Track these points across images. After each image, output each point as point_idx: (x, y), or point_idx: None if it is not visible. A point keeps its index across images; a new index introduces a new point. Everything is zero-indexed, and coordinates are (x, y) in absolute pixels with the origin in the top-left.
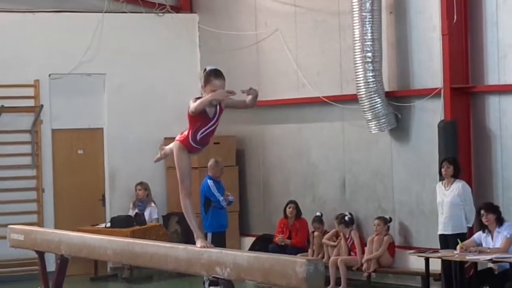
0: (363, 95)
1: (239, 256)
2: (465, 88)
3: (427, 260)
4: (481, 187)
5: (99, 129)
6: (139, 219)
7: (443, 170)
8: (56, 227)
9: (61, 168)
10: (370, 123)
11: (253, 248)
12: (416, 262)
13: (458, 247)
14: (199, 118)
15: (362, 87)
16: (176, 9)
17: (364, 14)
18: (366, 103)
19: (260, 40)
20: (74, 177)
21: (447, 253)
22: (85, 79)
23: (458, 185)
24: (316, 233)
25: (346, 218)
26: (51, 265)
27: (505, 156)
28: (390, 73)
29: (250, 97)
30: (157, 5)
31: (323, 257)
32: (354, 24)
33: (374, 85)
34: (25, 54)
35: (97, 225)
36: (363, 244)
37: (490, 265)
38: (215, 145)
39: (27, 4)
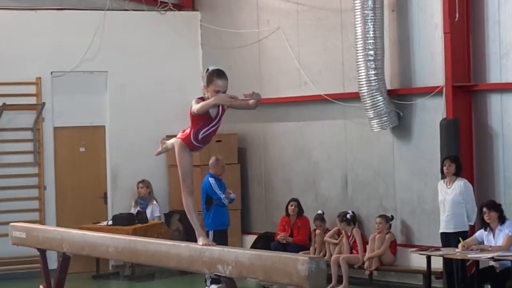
0: (365, 93)
1: (241, 254)
2: (467, 87)
3: (428, 258)
4: (483, 185)
5: (101, 127)
6: (141, 217)
7: (445, 168)
8: (58, 225)
9: (63, 166)
10: (372, 121)
11: (255, 246)
12: (417, 260)
13: (459, 245)
14: (201, 118)
15: (364, 85)
16: (178, 7)
17: (366, 12)
18: (368, 101)
19: (262, 38)
20: (76, 175)
21: (449, 251)
22: (87, 77)
23: (460, 183)
24: (318, 231)
25: (348, 216)
26: (53, 263)
27: (506, 154)
28: (392, 71)
29: (253, 100)
30: (159, 3)
31: (324, 255)
32: (356, 22)
33: (376, 83)
34: (27, 51)
35: (99, 223)
36: (365, 242)
37: (492, 263)
38: (217, 143)
39: (29, 1)
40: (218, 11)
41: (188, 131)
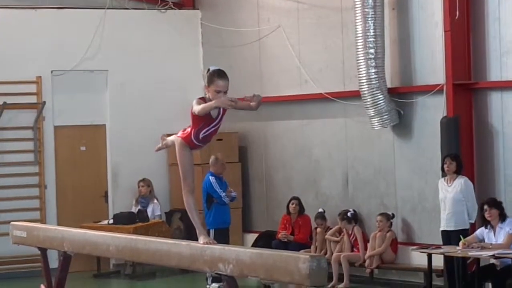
0: (366, 92)
1: (242, 253)
2: (467, 84)
3: (429, 256)
4: (483, 183)
5: (102, 125)
6: (141, 215)
7: (445, 166)
8: (58, 224)
9: (63, 164)
10: (373, 119)
11: (256, 244)
12: (418, 258)
13: (460, 243)
14: (202, 118)
15: (365, 83)
16: (179, 5)
17: (366, 10)
18: (368, 100)
19: (262, 36)
20: (76, 174)
21: (450, 249)
22: (87, 76)
23: (461, 181)
24: (318, 230)
25: (349, 214)
26: (53, 262)
27: (507, 152)
28: (392, 69)
29: (254, 102)
30: (159, 1)
31: (325, 254)
32: (357, 21)
33: (377, 81)
34: (28, 50)
35: (99, 221)
36: (365, 240)
37: (493, 261)
38: (218, 142)
39: (29, 0)
40: (219, 9)
41: (188, 130)
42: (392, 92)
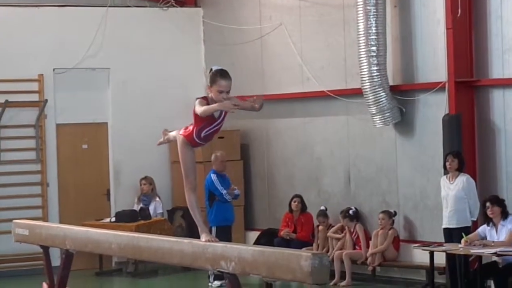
0: (368, 89)
1: (244, 250)
2: (469, 82)
3: (431, 253)
4: (485, 181)
5: (104, 123)
6: (143, 213)
7: (447, 164)
8: (61, 222)
9: (65, 162)
10: (375, 117)
11: (258, 242)
12: (420, 256)
13: (462, 240)
14: (204, 117)
15: (367, 81)
16: (180, 3)
17: (368, 8)
18: (370, 97)
19: (264, 34)
20: (78, 172)
21: (452, 247)
22: (89, 74)
23: (463, 179)
24: (320, 227)
25: (351, 212)
26: (56, 260)
27: (509, 150)
28: (394, 67)
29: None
30: None
31: (328, 251)
32: (359, 18)
33: (379, 79)
34: (29, 48)
35: (102, 219)
36: (367, 238)
37: (495, 258)
38: (220, 139)
39: None
40: (220, 7)
41: (190, 128)
42: (394, 90)
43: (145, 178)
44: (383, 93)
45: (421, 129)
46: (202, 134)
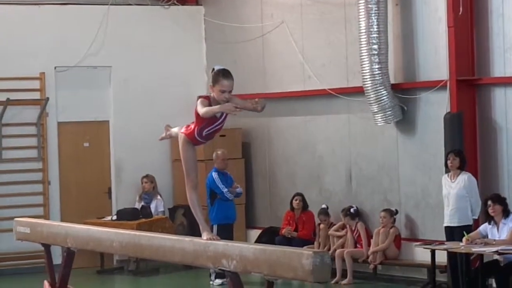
0: (369, 88)
1: (245, 249)
2: (470, 80)
3: (433, 252)
4: (487, 179)
5: (105, 122)
6: (145, 211)
7: (449, 162)
8: (62, 220)
9: (67, 161)
10: (376, 115)
11: (259, 240)
12: (422, 254)
13: (464, 239)
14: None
15: (368, 79)
16: (182, 1)
17: (370, 6)
18: (372, 96)
19: (266, 32)
20: (80, 170)
21: (453, 245)
22: (91, 72)
23: (464, 177)
24: (322, 226)
25: (352, 210)
26: (57, 258)
27: (510, 148)
28: (396, 65)
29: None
30: None
31: (329, 249)
32: (360, 16)
33: (380, 77)
34: (31, 46)
35: (103, 217)
36: (369, 236)
37: (496, 257)
38: (221, 138)
39: None
40: (222, 5)
41: (192, 127)
42: (396, 88)
43: (147, 176)
44: (385, 92)
45: (422, 128)
46: (204, 133)
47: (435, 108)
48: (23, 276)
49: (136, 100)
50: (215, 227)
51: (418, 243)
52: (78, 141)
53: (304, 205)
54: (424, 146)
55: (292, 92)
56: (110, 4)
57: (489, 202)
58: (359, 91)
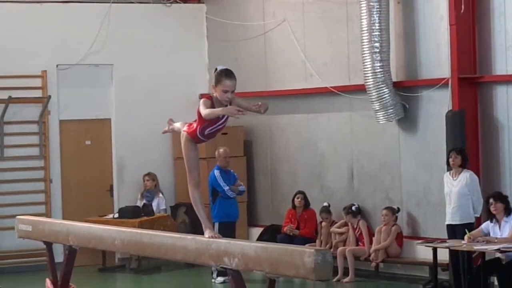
0: (371, 86)
1: (247, 247)
2: (472, 78)
3: (435, 250)
4: (488, 177)
5: (107, 119)
6: (147, 209)
7: (450, 160)
8: (64, 218)
9: (69, 159)
10: (378, 113)
11: (261, 238)
12: (424, 252)
13: (465, 237)
14: None
15: (370, 77)
16: None
17: (371, 4)
18: (373, 94)
19: (267, 30)
20: (82, 168)
21: (455, 243)
22: (92, 70)
23: (466, 175)
24: (324, 223)
25: (354, 208)
26: (59, 256)
27: None
28: (397, 63)
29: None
30: None
31: (331, 247)
32: (362, 14)
33: (382, 75)
34: (33, 44)
35: (105, 215)
36: (371, 234)
37: (498, 255)
38: (223, 136)
39: None
40: (224, 3)
41: (194, 125)
42: (397, 86)
43: (148, 174)
44: (386, 90)
45: (424, 126)
46: (206, 132)
47: (437, 106)
48: (25, 274)
49: (138, 98)
50: (216, 225)
51: (420, 241)
52: (80, 139)
53: (306, 203)
54: (426, 144)
55: (294, 90)
56: (112, 2)
57: (491, 200)
58: (361, 89)
